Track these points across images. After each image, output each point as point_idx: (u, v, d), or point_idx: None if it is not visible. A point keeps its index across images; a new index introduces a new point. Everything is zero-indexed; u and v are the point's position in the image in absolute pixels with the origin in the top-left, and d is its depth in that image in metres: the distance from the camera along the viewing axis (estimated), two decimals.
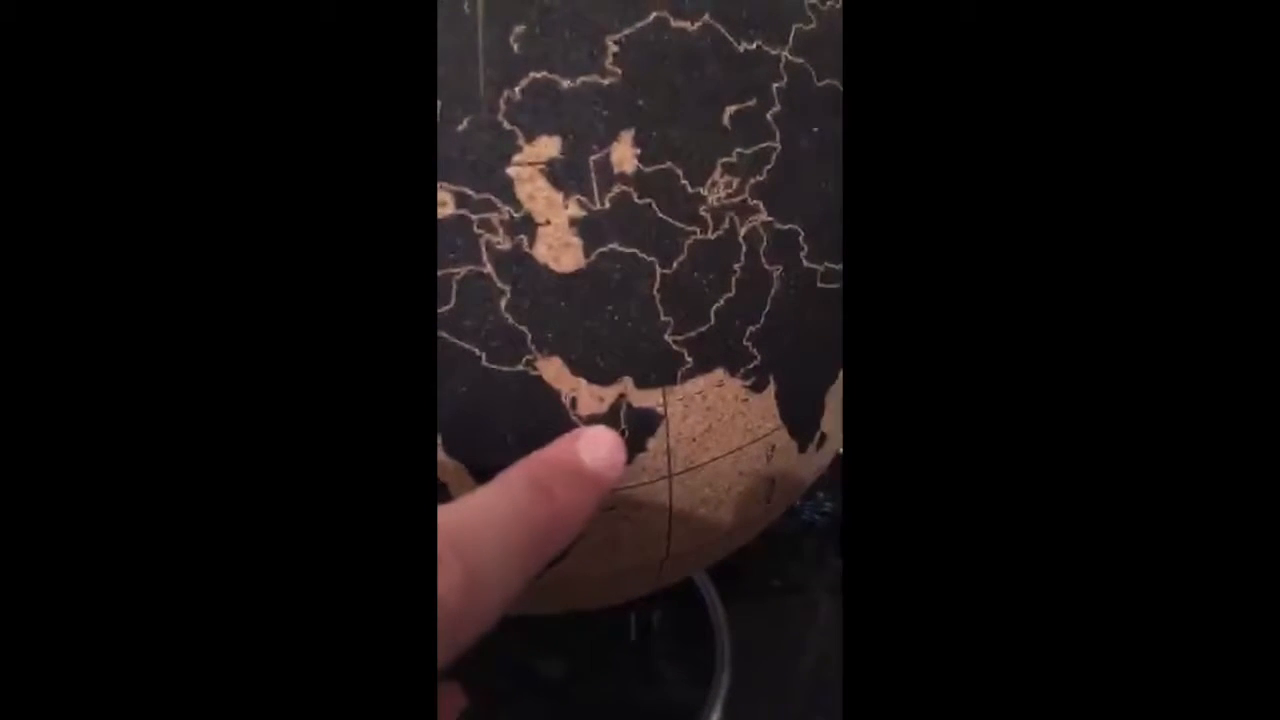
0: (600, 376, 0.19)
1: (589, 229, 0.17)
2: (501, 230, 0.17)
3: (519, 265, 0.17)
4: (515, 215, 0.17)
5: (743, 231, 0.19)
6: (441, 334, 0.17)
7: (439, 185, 0.16)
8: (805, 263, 0.20)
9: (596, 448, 0.18)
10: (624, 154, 0.17)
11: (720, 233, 0.18)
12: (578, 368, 0.18)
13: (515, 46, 0.16)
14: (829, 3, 0.20)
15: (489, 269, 0.17)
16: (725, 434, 0.21)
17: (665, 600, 0.41)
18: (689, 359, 0.19)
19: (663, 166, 0.18)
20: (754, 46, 0.18)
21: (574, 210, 0.17)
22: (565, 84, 0.17)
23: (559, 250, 0.17)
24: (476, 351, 0.18)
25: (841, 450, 0.28)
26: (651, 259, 0.18)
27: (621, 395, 0.19)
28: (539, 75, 0.16)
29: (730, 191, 0.18)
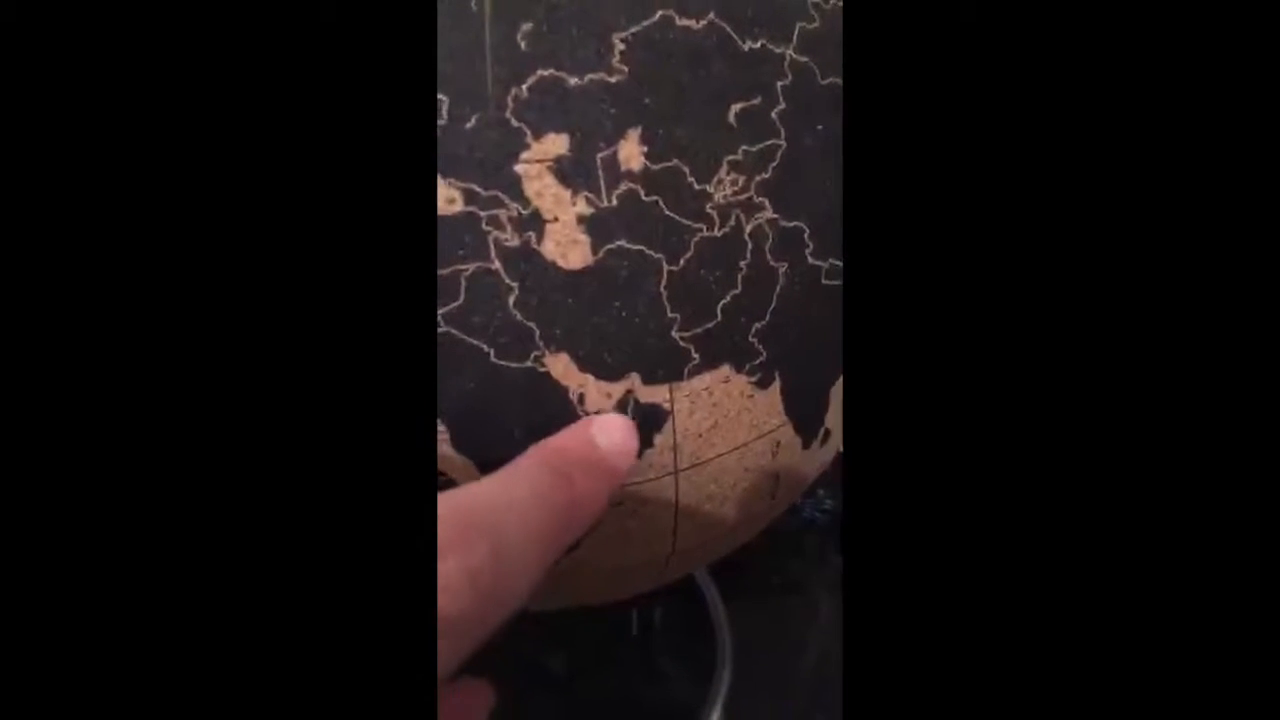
0: (608, 372, 0.19)
1: (596, 226, 0.17)
2: (510, 227, 0.17)
3: (527, 262, 0.17)
4: (523, 212, 0.17)
5: (748, 229, 0.19)
6: (450, 330, 0.17)
7: (448, 182, 0.16)
8: (810, 260, 0.20)
9: (610, 434, 0.18)
10: (631, 151, 0.17)
11: (726, 230, 0.19)
12: (585, 364, 0.18)
13: (523, 44, 0.16)
14: (832, 1, 0.20)
15: (497, 266, 0.17)
16: (731, 430, 0.21)
17: (667, 598, 0.42)
18: (695, 355, 0.19)
19: (669, 164, 0.18)
20: (759, 45, 0.18)
21: (581, 207, 0.17)
22: (572, 81, 0.17)
23: (567, 247, 0.17)
24: (485, 348, 0.18)
25: (842, 449, 0.29)
26: (659, 256, 0.18)
27: (629, 391, 0.19)
28: (546, 73, 0.17)
29: (736, 189, 0.18)
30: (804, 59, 0.19)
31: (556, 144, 0.17)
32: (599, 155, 0.17)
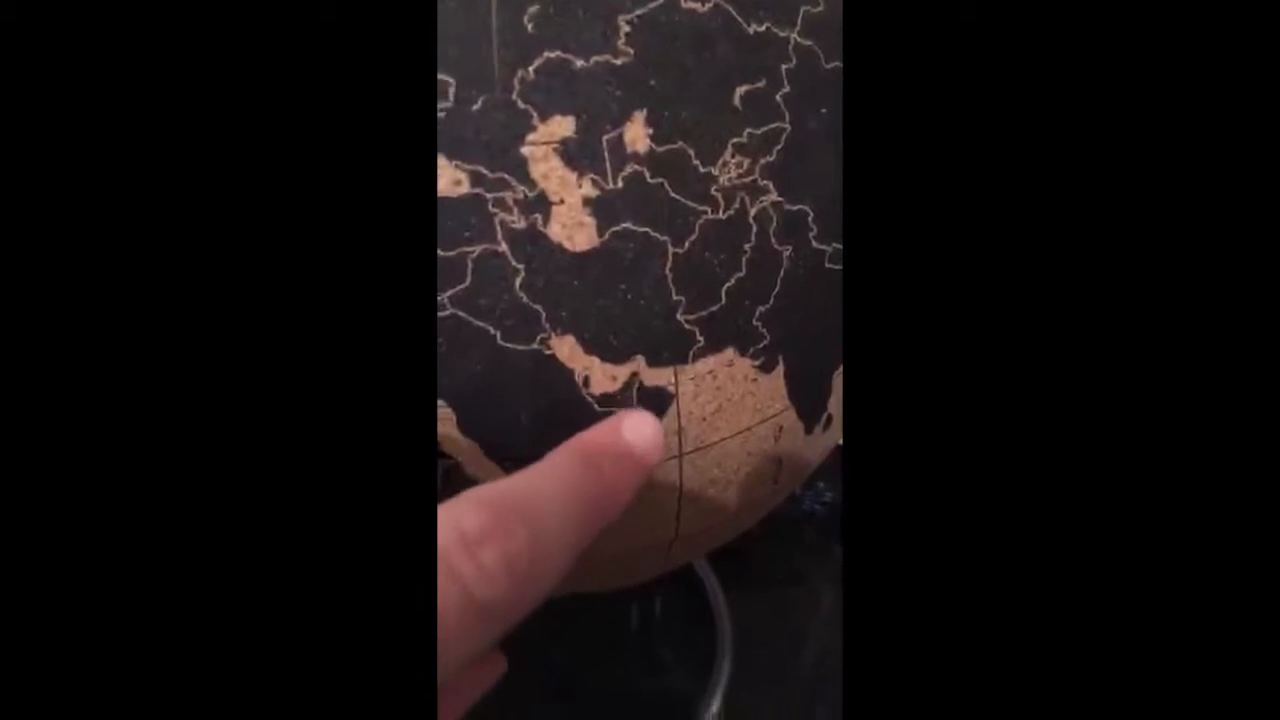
0: (613, 355, 0.19)
1: (602, 208, 0.17)
2: (516, 209, 0.17)
3: (533, 244, 0.17)
4: (529, 194, 0.17)
5: (753, 212, 0.19)
6: (457, 312, 0.17)
7: (454, 164, 0.17)
8: (814, 243, 0.20)
9: (640, 429, 0.18)
10: (637, 134, 0.17)
11: (731, 213, 0.19)
12: (591, 346, 0.19)
13: (529, 26, 0.16)
14: None
15: (504, 248, 0.17)
16: (735, 414, 0.21)
17: (667, 588, 0.42)
18: (700, 338, 0.19)
19: (675, 146, 0.18)
20: (763, 28, 0.18)
21: (587, 189, 0.17)
22: (579, 64, 0.17)
23: (573, 229, 0.17)
24: (491, 330, 0.18)
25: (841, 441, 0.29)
26: (664, 238, 0.18)
27: (634, 374, 0.19)
28: (553, 55, 0.17)
29: (741, 171, 0.19)
30: (808, 43, 0.19)
31: (562, 126, 0.17)
32: (605, 137, 0.17)
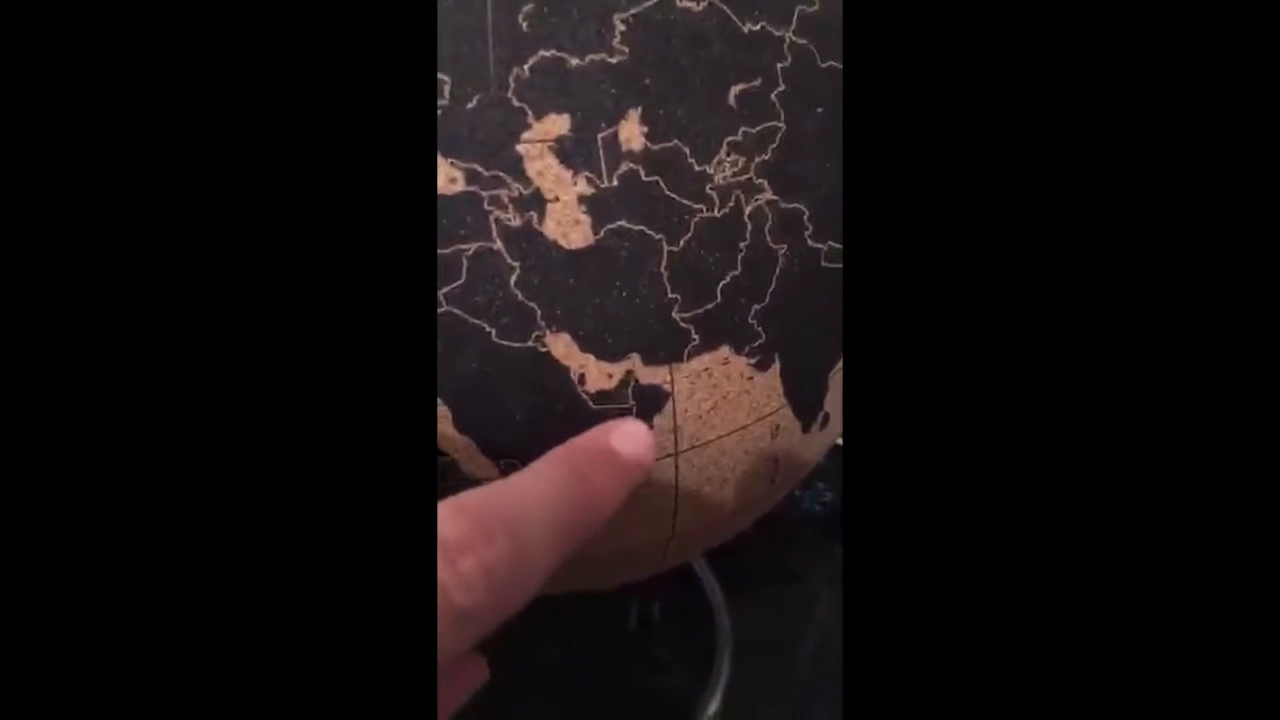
0: (608, 353, 0.19)
1: (597, 206, 0.18)
2: (511, 207, 0.17)
3: (529, 242, 0.17)
4: (524, 192, 0.17)
5: (748, 210, 0.19)
6: (452, 310, 0.17)
7: (450, 162, 0.17)
8: (809, 242, 0.20)
9: (630, 440, 0.18)
10: (632, 132, 0.17)
11: (726, 211, 0.19)
12: (586, 344, 0.19)
13: (524, 25, 0.16)
14: None
15: (499, 245, 0.17)
16: (730, 412, 0.21)
17: (665, 589, 0.42)
18: (696, 336, 0.19)
19: (669, 145, 0.18)
20: (758, 27, 0.19)
21: (582, 187, 0.17)
22: (574, 62, 0.17)
23: (568, 227, 0.17)
24: (486, 328, 0.18)
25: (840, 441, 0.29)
26: (659, 236, 0.18)
27: (629, 372, 0.19)
28: (548, 53, 0.17)
29: (736, 170, 0.19)
30: (803, 42, 0.19)
31: (557, 124, 0.17)
32: (600, 135, 0.17)
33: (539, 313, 0.18)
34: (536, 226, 0.17)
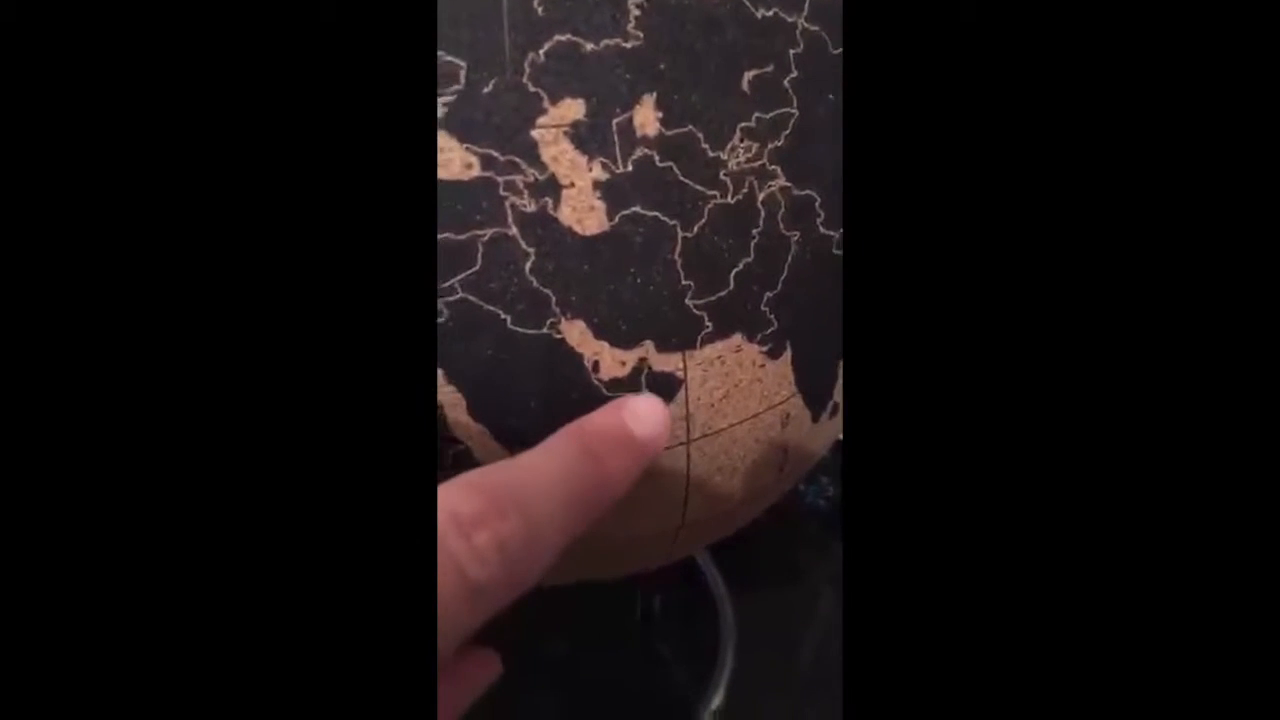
0: (622, 340, 0.19)
1: (612, 191, 0.18)
2: (527, 193, 0.17)
3: (544, 228, 0.17)
4: (540, 177, 0.17)
5: (761, 196, 0.19)
6: (467, 296, 0.17)
7: (465, 147, 0.17)
8: (821, 229, 0.20)
9: (645, 417, 0.18)
10: (646, 117, 0.17)
11: (740, 197, 0.19)
12: (601, 331, 0.19)
13: (539, 10, 0.16)
14: None
15: (514, 231, 0.17)
16: (743, 400, 0.21)
17: (668, 583, 0.42)
18: (709, 323, 0.19)
19: (684, 130, 0.18)
20: (771, 13, 0.19)
21: (597, 173, 0.17)
22: (589, 47, 0.17)
23: (583, 213, 0.17)
24: (501, 314, 0.18)
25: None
26: (673, 222, 0.18)
27: (643, 359, 0.19)
28: (563, 38, 0.17)
29: (750, 156, 0.19)
30: (815, 28, 0.19)
31: (573, 109, 0.17)
32: (615, 120, 0.17)
33: (554, 299, 0.18)
34: (552, 212, 0.17)
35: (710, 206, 0.18)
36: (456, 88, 0.16)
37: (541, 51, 0.17)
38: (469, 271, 0.17)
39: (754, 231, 0.19)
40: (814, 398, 0.23)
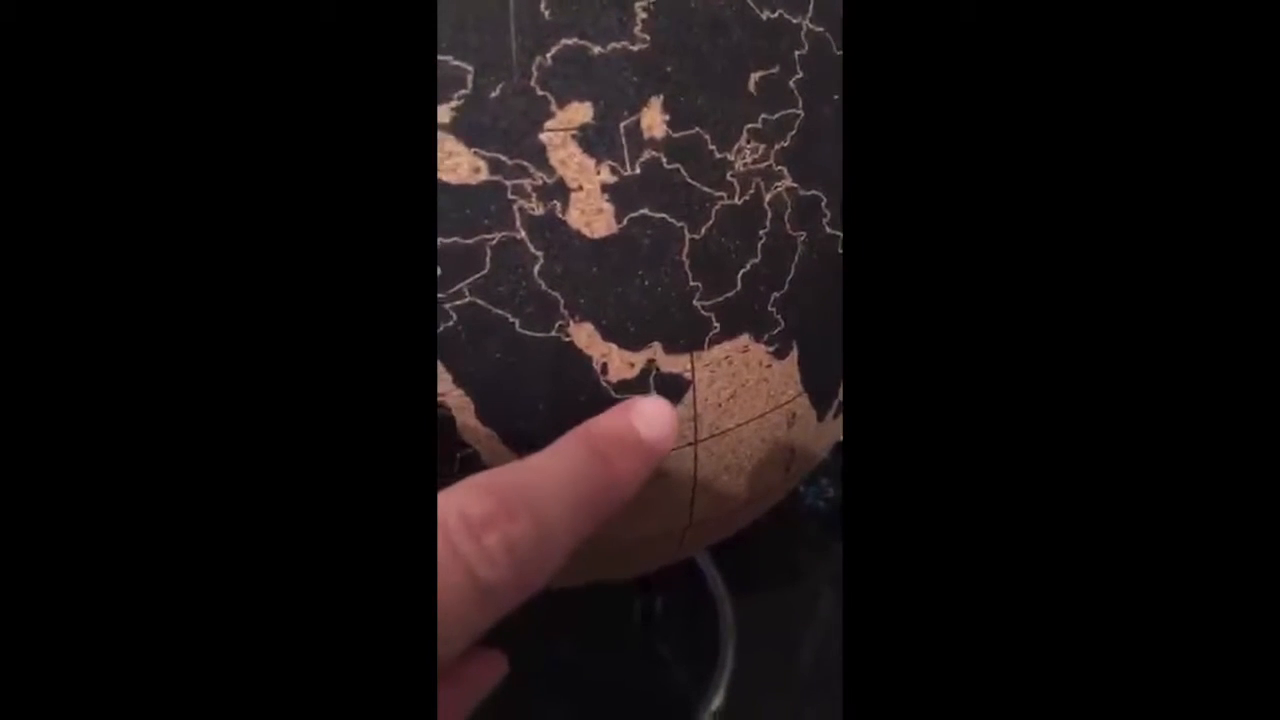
0: (631, 342, 0.19)
1: (620, 194, 0.18)
2: (535, 196, 0.17)
3: (552, 231, 0.17)
4: (548, 181, 0.17)
5: (768, 197, 0.19)
6: (476, 300, 0.17)
7: (473, 152, 0.17)
8: (827, 229, 0.21)
9: (653, 420, 0.18)
10: (653, 119, 0.17)
11: (747, 198, 0.19)
12: (609, 333, 0.19)
13: (546, 13, 0.16)
14: None
15: (522, 235, 0.17)
16: (750, 400, 0.21)
17: (669, 583, 0.42)
18: (716, 324, 0.20)
19: (691, 132, 0.18)
20: (775, 15, 0.19)
21: (605, 176, 0.17)
22: (596, 50, 0.17)
23: (591, 216, 0.17)
24: (510, 318, 0.18)
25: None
26: (681, 224, 0.18)
27: (651, 361, 0.19)
28: (570, 41, 0.17)
29: (756, 157, 0.19)
30: (820, 29, 0.19)
31: (580, 112, 0.17)
32: (622, 123, 0.17)
33: (562, 302, 0.18)
34: (560, 216, 0.17)
35: (717, 208, 0.19)
36: (464, 92, 0.16)
37: (549, 55, 0.17)
38: (477, 275, 0.17)
39: (761, 232, 0.19)
40: (820, 397, 0.23)
